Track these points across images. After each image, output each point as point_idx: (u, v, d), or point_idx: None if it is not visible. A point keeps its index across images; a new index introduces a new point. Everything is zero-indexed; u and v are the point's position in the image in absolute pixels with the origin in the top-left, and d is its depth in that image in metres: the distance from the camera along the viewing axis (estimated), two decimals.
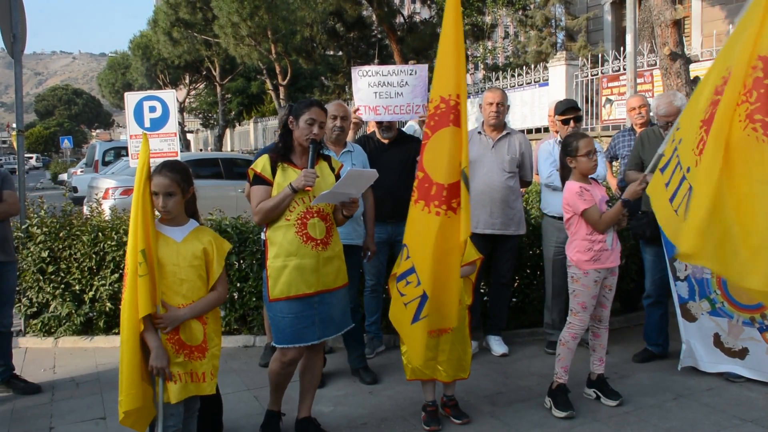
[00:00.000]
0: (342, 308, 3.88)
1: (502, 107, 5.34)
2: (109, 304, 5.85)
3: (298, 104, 3.80)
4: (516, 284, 5.91)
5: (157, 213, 3.31)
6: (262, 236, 3.82)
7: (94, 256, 5.87)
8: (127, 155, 10.70)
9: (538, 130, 15.47)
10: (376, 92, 5.23)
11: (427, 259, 3.74)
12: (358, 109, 5.26)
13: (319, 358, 3.96)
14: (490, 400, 4.47)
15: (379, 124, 5.33)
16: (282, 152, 3.76)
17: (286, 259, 3.61)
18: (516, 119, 16.22)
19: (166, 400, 3.19)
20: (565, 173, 4.41)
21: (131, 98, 7.60)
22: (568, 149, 4.27)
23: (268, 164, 3.69)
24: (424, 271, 3.74)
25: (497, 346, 5.46)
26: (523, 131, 13.64)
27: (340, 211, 3.76)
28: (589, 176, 4.36)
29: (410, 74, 5.22)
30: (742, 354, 4.65)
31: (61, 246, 5.91)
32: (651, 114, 5.99)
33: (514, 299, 5.93)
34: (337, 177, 3.84)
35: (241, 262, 5.80)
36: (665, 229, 3.95)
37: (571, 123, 5.34)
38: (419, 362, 3.93)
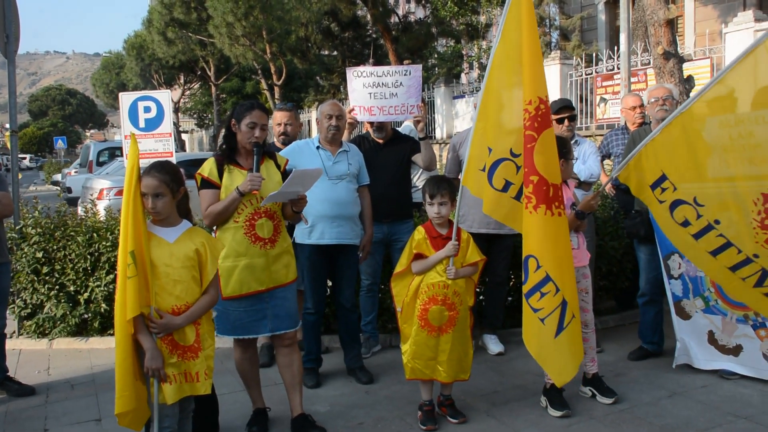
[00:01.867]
0: (295, 302, 3.98)
1: None
2: (104, 305, 5.84)
3: (240, 107, 3.86)
4: (511, 283, 5.92)
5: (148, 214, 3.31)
6: (213, 236, 3.86)
7: (89, 256, 5.85)
8: (121, 155, 10.68)
9: None
10: (370, 93, 5.23)
11: (562, 263, 3.85)
12: (353, 110, 5.26)
13: (294, 353, 4.00)
14: (486, 399, 4.48)
15: (371, 123, 5.33)
16: (227, 154, 3.82)
17: (235, 260, 3.71)
18: None
19: (162, 401, 3.19)
20: None
21: (126, 98, 7.58)
22: (563, 150, 4.26)
23: (214, 168, 3.77)
24: (562, 276, 3.84)
25: (493, 345, 5.47)
26: None
27: (289, 206, 3.83)
28: (583, 178, 4.35)
29: (405, 75, 5.22)
30: (736, 351, 4.67)
31: (55, 247, 5.90)
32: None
33: (509, 298, 5.93)
34: (284, 173, 3.90)
35: None
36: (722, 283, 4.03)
37: (566, 122, 5.36)
38: (569, 377, 3.98)
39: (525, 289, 3.94)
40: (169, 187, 3.29)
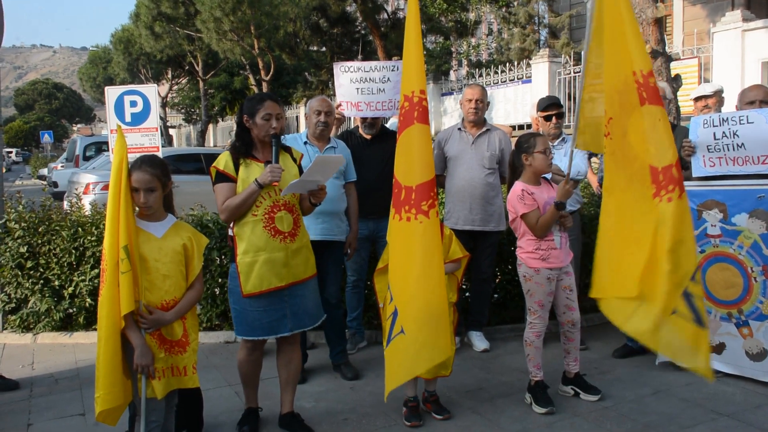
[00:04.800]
0: (315, 299, 3.90)
1: (482, 104, 5.36)
2: (89, 300, 5.80)
3: (250, 101, 3.77)
4: (497, 280, 5.94)
5: (135, 208, 3.29)
6: (230, 232, 3.80)
7: (73, 251, 5.81)
8: (108, 150, 10.61)
9: (521, 127, 15.53)
10: (357, 88, 5.22)
11: (397, 271, 3.68)
12: (340, 105, 5.25)
13: (296, 351, 3.96)
14: (471, 396, 4.49)
15: (363, 120, 5.32)
16: (243, 150, 3.74)
17: (255, 255, 3.62)
18: (499, 116, 16.29)
19: (152, 396, 3.18)
20: (513, 176, 4.41)
21: (112, 92, 7.53)
22: (524, 146, 4.26)
23: (230, 161, 3.68)
24: (395, 284, 3.69)
25: (479, 341, 5.49)
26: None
27: (307, 199, 3.76)
28: (573, 175, 4.34)
29: (392, 70, 5.21)
30: (719, 349, 4.70)
31: (40, 241, 5.85)
32: None
33: (495, 295, 5.96)
34: (299, 167, 3.86)
35: (223, 257, 5.78)
36: None
37: (553, 119, 5.37)
38: (388, 388, 3.71)
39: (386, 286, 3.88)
40: (161, 181, 3.29)
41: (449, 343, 3.73)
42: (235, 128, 3.91)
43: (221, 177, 3.67)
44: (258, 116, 3.68)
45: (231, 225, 3.77)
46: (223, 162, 3.68)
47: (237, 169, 3.66)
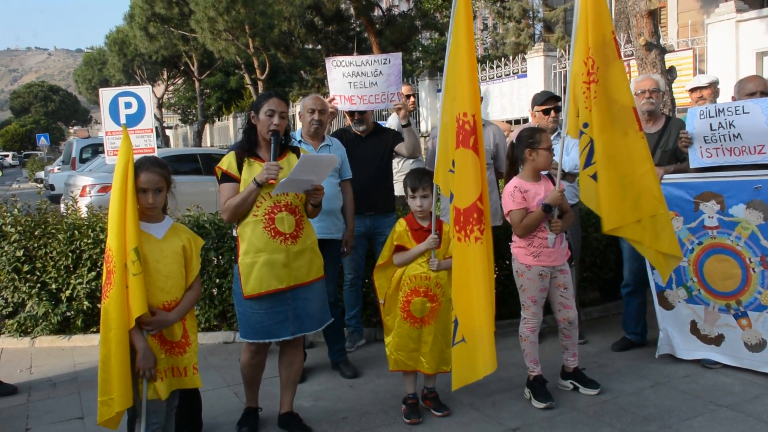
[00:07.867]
0: (320, 303, 3.85)
1: None
2: (86, 303, 5.79)
3: (259, 97, 3.79)
4: (495, 275, 5.92)
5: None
6: (234, 233, 3.80)
7: (70, 254, 5.80)
8: (104, 152, 10.58)
9: (517, 122, 15.50)
10: (350, 82, 5.20)
11: (455, 286, 3.77)
12: (333, 99, 5.24)
13: (298, 353, 3.95)
14: (470, 392, 4.47)
15: (352, 117, 5.30)
16: (247, 148, 3.74)
17: (255, 255, 3.60)
18: (495, 111, 16.27)
19: (155, 397, 3.19)
20: (512, 170, 4.40)
21: (106, 94, 7.50)
22: (529, 141, 4.25)
23: (234, 161, 3.68)
24: (455, 297, 3.77)
25: None
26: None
27: (308, 201, 3.73)
28: (567, 169, 4.34)
29: (384, 63, 5.19)
30: (717, 341, 4.70)
31: (36, 245, 5.84)
32: None
33: None
34: None
35: (220, 258, 5.76)
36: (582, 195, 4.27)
37: (552, 113, 5.35)
38: (459, 385, 3.77)
39: None
40: (167, 181, 3.31)
41: (493, 357, 3.75)
42: (231, 128, 3.91)
43: (225, 177, 3.68)
44: (261, 112, 3.69)
45: (235, 225, 3.75)
46: (227, 162, 3.69)
47: (240, 169, 3.66)
